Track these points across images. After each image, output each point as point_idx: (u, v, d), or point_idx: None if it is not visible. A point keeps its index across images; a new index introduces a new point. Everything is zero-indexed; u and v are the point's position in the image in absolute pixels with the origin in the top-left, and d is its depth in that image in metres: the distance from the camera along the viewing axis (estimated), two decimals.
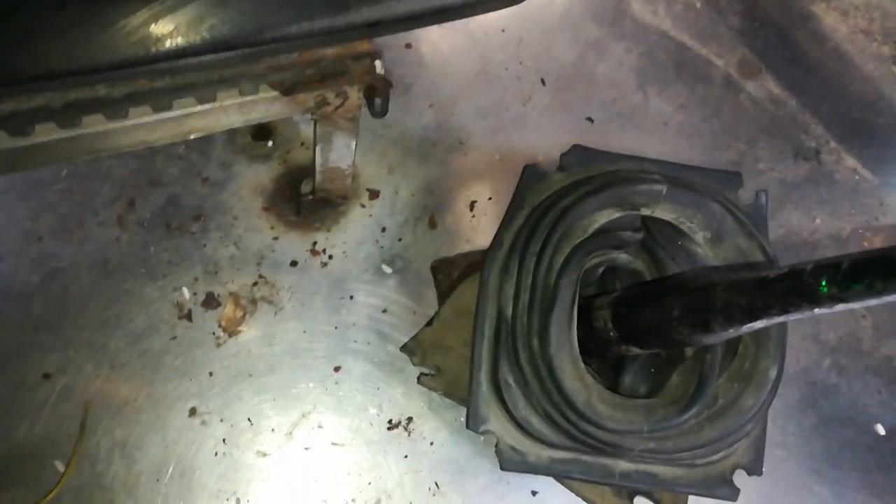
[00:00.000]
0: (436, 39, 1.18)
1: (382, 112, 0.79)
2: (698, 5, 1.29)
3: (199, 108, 0.73)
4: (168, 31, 0.53)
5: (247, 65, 0.67)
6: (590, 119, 1.19)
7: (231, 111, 0.76)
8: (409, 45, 1.17)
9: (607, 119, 1.19)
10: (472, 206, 1.11)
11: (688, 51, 1.26)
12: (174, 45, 0.53)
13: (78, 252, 1.00)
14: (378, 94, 0.76)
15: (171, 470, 0.95)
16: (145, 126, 0.73)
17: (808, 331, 1.14)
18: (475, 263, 1.03)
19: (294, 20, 0.56)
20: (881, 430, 1.11)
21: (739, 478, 0.92)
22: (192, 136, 0.77)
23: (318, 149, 0.87)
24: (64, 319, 0.97)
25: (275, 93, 0.73)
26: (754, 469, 0.90)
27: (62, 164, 1.01)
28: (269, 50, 0.57)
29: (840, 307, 0.57)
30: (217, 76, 0.68)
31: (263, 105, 0.76)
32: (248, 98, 0.74)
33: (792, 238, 1.19)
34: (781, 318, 0.63)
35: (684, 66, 1.25)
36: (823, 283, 0.57)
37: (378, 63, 0.74)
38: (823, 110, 1.27)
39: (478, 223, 1.10)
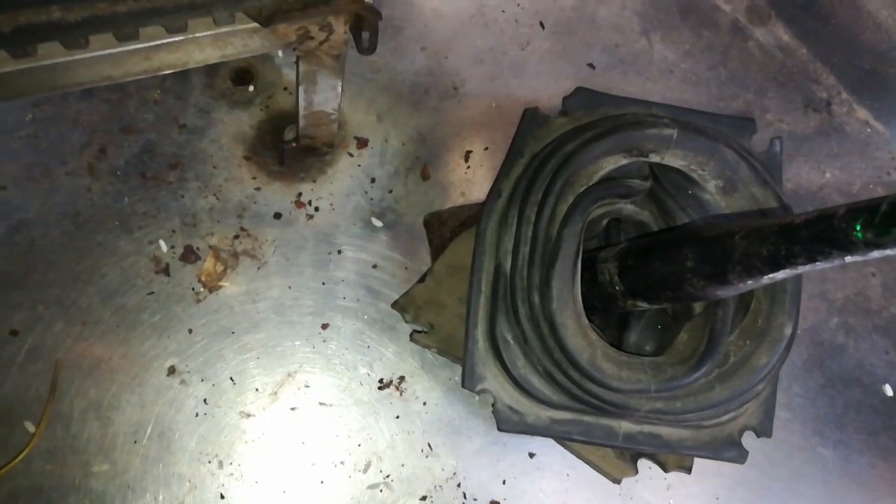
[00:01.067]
0: None
1: (371, 48, 0.75)
2: None
3: (169, 38, 0.69)
4: None
5: None
6: (591, 65, 1.13)
7: (205, 44, 0.71)
8: None
9: (609, 65, 1.14)
10: (467, 156, 1.05)
11: None
12: None
13: (45, 203, 0.95)
14: (366, 26, 0.71)
15: (149, 431, 0.91)
16: (109, 58, 0.68)
17: (815, 289, 1.11)
18: (471, 217, 0.99)
19: None
20: (889, 390, 1.09)
21: (745, 440, 0.88)
22: (163, 72, 0.72)
23: (301, 90, 0.82)
24: (31, 274, 0.93)
25: (253, 24, 0.68)
26: (764, 430, 0.87)
27: (25, 108, 0.96)
28: None
29: (875, 254, 0.53)
30: (187, 1, 0.61)
31: (241, 38, 0.72)
32: (224, 29, 0.70)
33: (800, 192, 1.16)
34: (807, 268, 0.58)
35: (690, 11, 1.20)
36: (858, 227, 0.52)
37: None
38: (835, 59, 1.22)
39: (473, 174, 1.05)
